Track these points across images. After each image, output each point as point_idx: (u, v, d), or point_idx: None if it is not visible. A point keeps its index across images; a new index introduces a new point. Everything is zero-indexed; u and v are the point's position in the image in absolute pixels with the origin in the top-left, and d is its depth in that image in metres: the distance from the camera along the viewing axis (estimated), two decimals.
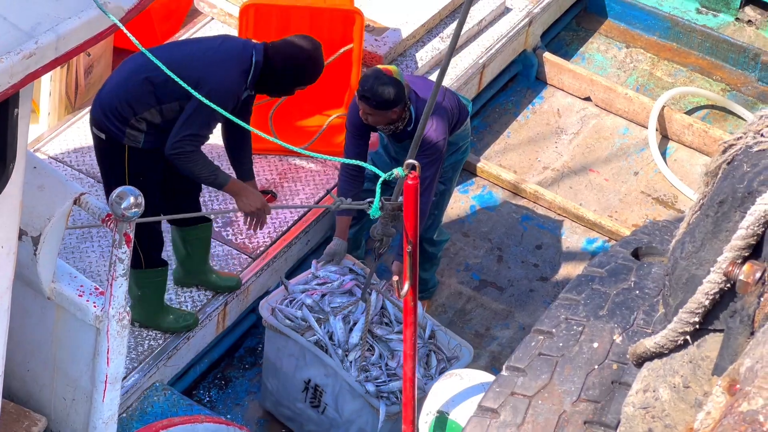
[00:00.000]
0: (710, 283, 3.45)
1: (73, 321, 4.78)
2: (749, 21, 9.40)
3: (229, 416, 6.71)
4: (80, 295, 4.74)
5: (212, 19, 8.17)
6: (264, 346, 6.65)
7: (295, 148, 4.69)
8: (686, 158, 8.48)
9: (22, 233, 4.47)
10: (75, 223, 6.66)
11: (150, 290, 6.34)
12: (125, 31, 4.00)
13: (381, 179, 4.37)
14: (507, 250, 7.79)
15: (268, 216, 6.18)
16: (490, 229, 7.90)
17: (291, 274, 7.00)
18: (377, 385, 6.22)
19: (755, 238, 3.33)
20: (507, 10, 8.66)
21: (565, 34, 9.32)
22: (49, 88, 7.35)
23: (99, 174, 6.23)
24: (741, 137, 3.62)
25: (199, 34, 8.01)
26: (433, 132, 6.36)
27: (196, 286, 6.71)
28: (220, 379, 6.96)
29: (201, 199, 6.51)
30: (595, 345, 4.52)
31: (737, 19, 9.41)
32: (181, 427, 5.70)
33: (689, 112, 8.77)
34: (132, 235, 4.41)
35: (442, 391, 5.53)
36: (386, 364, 6.32)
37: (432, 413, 5.50)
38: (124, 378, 6.08)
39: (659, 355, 3.79)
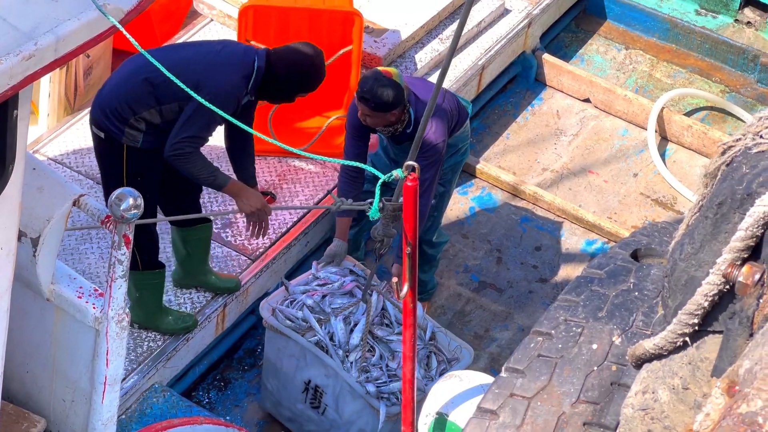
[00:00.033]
0: (709, 285, 3.45)
1: (73, 322, 4.77)
2: (748, 22, 9.40)
3: (228, 417, 6.71)
4: (79, 297, 4.73)
5: (211, 20, 8.17)
6: (264, 346, 6.65)
7: (295, 150, 4.68)
8: (685, 160, 8.47)
9: (21, 234, 4.47)
10: (74, 224, 6.66)
11: (148, 292, 6.33)
12: (124, 32, 3.99)
13: (380, 181, 4.37)
14: (506, 251, 7.78)
15: (269, 218, 6.18)
16: (490, 231, 7.90)
17: (290, 275, 6.99)
18: (378, 386, 6.22)
19: (754, 239, 3.33)
20: (506, 11, 8.65)
21: (565, 35, 9.32)
22: (48, 90, 7.34)
23: (98, 175, 6.23)
24: (740, 139, 3.62)
25: (198, 36, 8.01)
26: (432, 134, 6.35)
27: (195, 288, 6.70)
28: (219, 381, 6.95)
29: (201, 201, 6.50)
30: (595, 346, 4.53)
31: (736, 20, 9.41)
32: (181, 429, 5.70)
33: (688, 114, 8.76)
34: (131, 237, 4.41)
35: (441, 392, 5.54)
36: (387, 365, 6.32)
37: (431, 414, 5.51)
38: (124, 379, 6.08)
39: (658, 356, 3.79)
